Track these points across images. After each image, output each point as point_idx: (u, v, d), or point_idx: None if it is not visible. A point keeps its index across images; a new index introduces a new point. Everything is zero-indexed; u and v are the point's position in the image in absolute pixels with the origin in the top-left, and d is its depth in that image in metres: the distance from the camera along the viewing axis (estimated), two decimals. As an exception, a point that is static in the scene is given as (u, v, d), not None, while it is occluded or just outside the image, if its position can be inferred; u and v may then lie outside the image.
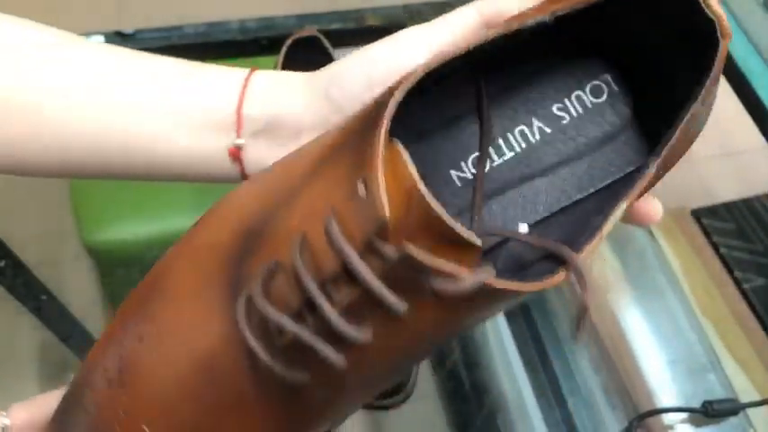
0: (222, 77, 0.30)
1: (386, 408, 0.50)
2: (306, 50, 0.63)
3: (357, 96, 0.28)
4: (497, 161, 0.29)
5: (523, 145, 0.29)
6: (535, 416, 0.56)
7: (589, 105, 0.29)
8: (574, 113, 0.29)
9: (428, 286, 0.21)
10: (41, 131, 0.29)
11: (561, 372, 0.57)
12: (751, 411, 0.55)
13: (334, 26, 0.72)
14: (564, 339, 0.59)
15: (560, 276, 0.22)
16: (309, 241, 0.22)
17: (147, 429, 0.25)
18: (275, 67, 0.61)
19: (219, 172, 0.31)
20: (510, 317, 0.59)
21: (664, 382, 0.58)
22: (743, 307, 0.74)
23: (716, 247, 0.80)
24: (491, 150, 0.29)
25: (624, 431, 0.53)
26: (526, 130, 0.29)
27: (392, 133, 0.22)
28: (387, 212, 0.21)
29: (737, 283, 0.76)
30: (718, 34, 0.24)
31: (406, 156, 0.22)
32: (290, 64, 0.63)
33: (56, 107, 0.29)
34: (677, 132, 0.24)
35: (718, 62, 0.23)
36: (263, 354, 0.23)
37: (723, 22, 0.24)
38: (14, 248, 0.64)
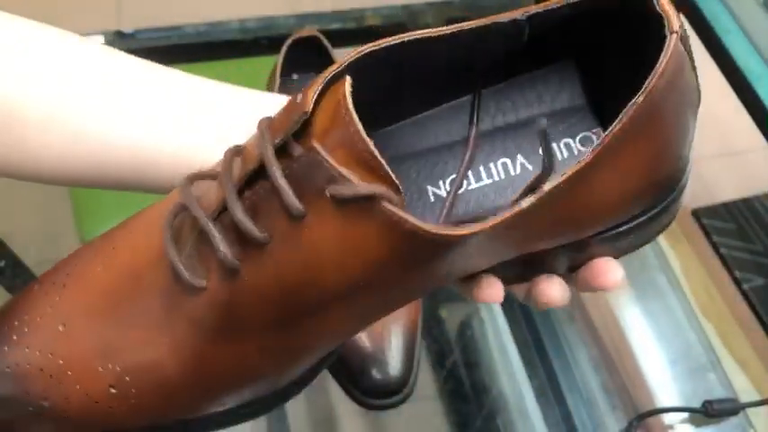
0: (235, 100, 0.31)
1: (385, 408, 0.50)
2: (306, 50, 0.63)
3: None
4: (473, 185, 0.29)
5: (502, 175, 0.30)
6: (535, 416, 0.56)
7: (575, 153, 0.30)
8: (559, 157, 0.30)
9: (327, 191, 0.22)
10: (54, 141, 0.29)
11: (561, 371, 0.57)
12: (751, 411, 0.55)
13: (334, 26, 0.72)
14: (564, 339, 0.59)
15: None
16: (246, 146, 0.24)
17: (61, 328, 0.26)
18: (275, 67, 0.61)
19: None
20: (510, 317, 0.59)
21: (664, 381, 0.58)
22: (743, 307, 0.74)
23: (716, 247, 0.80)
24: (470, 174, 0.29)
25: (624, 431, 0.53)
26: (509, 163, 0.30)
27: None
28: (309, 108, 0.22)
29: (737, 283, 0.76)
30: (666, 31, 0.24)
31: (348, 83, 0.22)
32: (290, 64, 0.63)
33: (71, 117, 0.29)
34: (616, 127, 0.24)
35: (666, 57, 0.23)
36: (172, 251, 0.24)
37: (671, 18, 0.24)
38: (14, 248, 0.64)
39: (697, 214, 0.83)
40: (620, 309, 0.63)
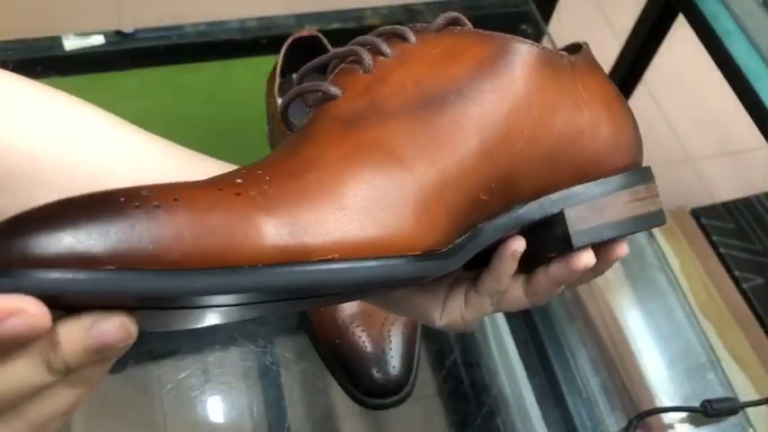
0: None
1: (385, 407, 0.50)
2: (306, 50, 0.63)
3: None
4: None
5: None
6: (535, 415, 0.56)
7: None
8: None
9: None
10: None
11: (561, 371, 0.57)
12: (750, 410, 0.56)
13: (334, 26, 0.72)
14: (563, 339, 0.59)
15: None
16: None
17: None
18: (275, 67, 0.61)
19: None
20: (510, 317, 0.60)
21: (663, 381, 0.59)
22: (742, 306, 0.74)
23: (715, 247, 0.80)
24: None
25: (623, 430, 0.54)
26: None
27: None
28: None
29: (736, 282, 0.76)
30: None
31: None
32: (290, 64, 0.63)
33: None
34: None
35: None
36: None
37: None
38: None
39: (696, 214, 0.83)
40: (620, 309, 0.63)
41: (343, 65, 0.33)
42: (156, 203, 0.23)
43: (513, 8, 0.75)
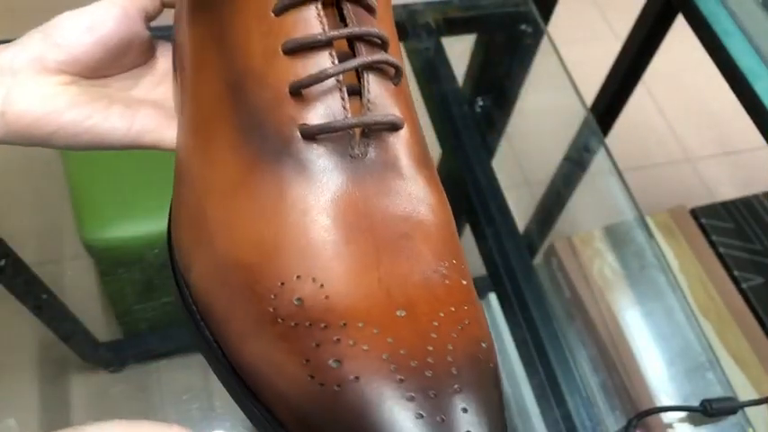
0: None
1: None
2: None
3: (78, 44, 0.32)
4: None
5: None
6: (535, 415, 0.56)
7: None
8: None
9: None
10: None
11: (560, 371, 0.57)
12: (750, 410, 0.56)
13: (334, 26, 0.72)
14: (563, 339, 0.59)
15: None
16: None
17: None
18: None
19: None
20: (509, 317, 0.60)
21: (662, 380, 0.59)
22: (741, 306, 0.74)
23: (715, 247, 0.80)
24: None
25: (623, 430, 0.54)
26: None
27: None
28: None
29: (736, 282, 0.76)
30: None
31: None
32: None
33: None
34: None
35: None
36: None
37: None
38: (14, 247, 0.64)
39: (695, 213, 0.83)
40: (619, 308, 0.63)
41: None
42: None
43: (513, 8, 0.75)
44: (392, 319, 0.25)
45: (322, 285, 0.25)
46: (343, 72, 0.27)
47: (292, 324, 0.24)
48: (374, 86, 0.28)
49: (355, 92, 0.28)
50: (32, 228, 0.73)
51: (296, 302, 0.25)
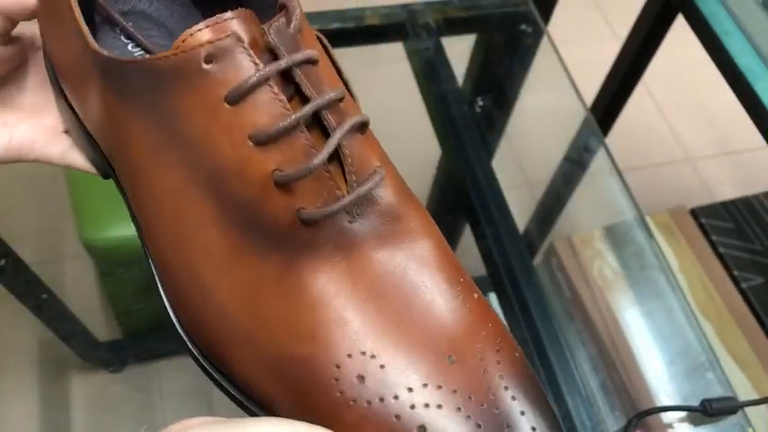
0: None
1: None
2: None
3: None
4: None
5: None
6: (534, 415, 0.56)
7: None
8: None
9: None
10: None
11: (560, 371, 0.57)
12: (749, 410, 0.56)
13: (334, 26, 0.72)
14: (563, 338, 0.59)
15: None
16: None
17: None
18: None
19: None
20: (509, 316, 0.60)
21: (662, 380, 0.59)
22: (741, 306, 0.74)
23: (714, 246, 0.80)
24: None
25: (622, 430, 0.54)
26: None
27: None
28: None
29: (736, 282, 0.76)
30: None
31: None
32: None
33: None
34: None
35: None
36: None
37: None
38: (14, 246, 0.64)
39: (695, 213, 0.83)
40: (619, 308, 0.63)
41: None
42: None
43: (513, 8, 0.75)
44: (447, 369, 0.26)
45: (373, 356, 0.26)
46: (326, 158, 0.26)
47: (365, 404, 0.25)
48: (352, 151, 0.28)
49: (333, 157, 0.28)
50: (32, 228, 0.73)
51: (357, 381, 0.26)
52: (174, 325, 0.31)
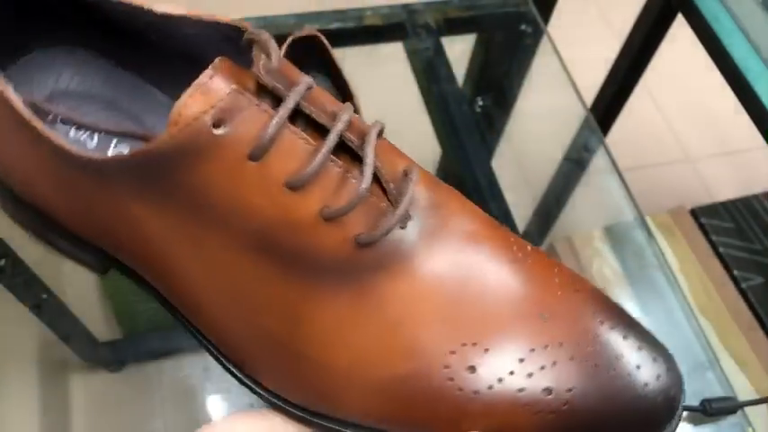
0: None
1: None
2: (306, 50, 0.63)
3: None
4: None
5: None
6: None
7: None
8: None
9: None
10: None
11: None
12: (750, 410, 0.56)
13: (334, 26, 0.72)
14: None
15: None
16: None
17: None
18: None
19: None
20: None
21: (662, 380, 0.58)
22: (741, 306, 0.75)
23: (714, 246, 0.80)
24: None
25: (623, 430, 0.54)
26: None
27: None
28: None
29: (736, 281, 0.77)
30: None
31: None
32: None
33: None
34: None
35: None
36: None
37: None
38: (14, 247, 0.64)
39: (695, 213, 0.83)
40: (620, 308, 0.63)
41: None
42: None
43: (513, 8, 0.75)
44: (543, 327, 0.27)
45: (474, 344, 0.26)
46: (369, 186, 0.26)
47: (487, 389, 0.26)
48: (382, 161, 0.27)
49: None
50: (32, 228, 0.73)
51: (469, 372, 0.26)
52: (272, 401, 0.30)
